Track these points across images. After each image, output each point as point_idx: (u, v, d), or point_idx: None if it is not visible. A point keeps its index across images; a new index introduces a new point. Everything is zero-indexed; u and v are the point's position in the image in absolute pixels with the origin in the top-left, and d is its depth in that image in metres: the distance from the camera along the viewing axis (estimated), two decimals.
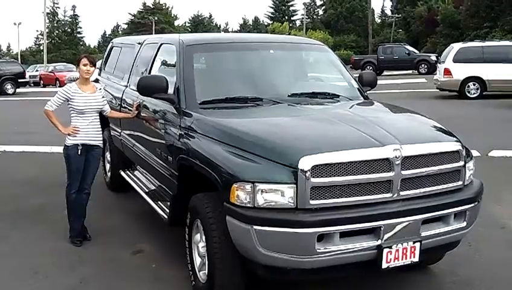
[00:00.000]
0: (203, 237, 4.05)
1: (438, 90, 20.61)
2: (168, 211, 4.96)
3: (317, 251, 3.47)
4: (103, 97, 5.61)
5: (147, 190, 5.96)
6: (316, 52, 6.05)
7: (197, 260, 4.30)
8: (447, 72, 19.40)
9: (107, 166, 7.72)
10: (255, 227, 3.48)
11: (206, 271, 4.04)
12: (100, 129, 5.61)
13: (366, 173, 3.59)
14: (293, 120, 4.34)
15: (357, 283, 4.55)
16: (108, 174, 7.68)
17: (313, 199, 3.50)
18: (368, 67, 36.02)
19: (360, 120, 4.11)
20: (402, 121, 4.55)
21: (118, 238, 5.78)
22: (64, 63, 45.83)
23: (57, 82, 36.85)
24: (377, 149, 3.64)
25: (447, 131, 4.26)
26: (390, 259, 3.64)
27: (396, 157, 3.63)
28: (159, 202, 5.33)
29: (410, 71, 36.50)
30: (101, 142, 5.64)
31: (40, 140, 11.61)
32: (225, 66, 5.42)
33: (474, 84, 19.15)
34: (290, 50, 5.88)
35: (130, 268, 5.02)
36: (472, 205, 3.99)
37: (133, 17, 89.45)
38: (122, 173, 7.02)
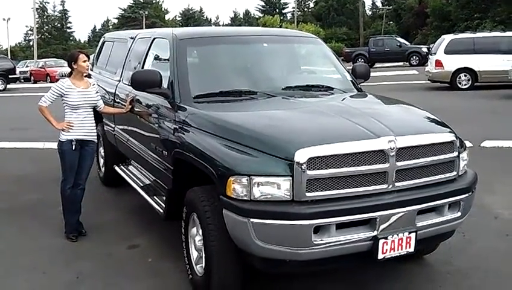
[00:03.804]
0: (200, 231, 4.07)
1: (429, 81, 20.68)
2: (163, 205, 4.97)
3: (314, 242, 3.48)
4: (97, 92, 5.60)
5: (141, 185, 5.95)
6: (309, 45, 6.05)
7: (194, 254, 4.32)
8: (439, 63, 19.47)
9: (101, 161, 7.71)
10: (252, 220, 3.49)
11: (203, 265, 4.05)
12: (94, 124, 5.60)
13: (361, 165, 3.60)
14: (287, 113, 4.33)
15: (353, 274, 4.58)
16: (102, 169, 7.67)
17: (309, 191, 3.51)
18: (360, 59, 36.04)
19: (354, 112, 4.12)
20: (396, 113, 4.55)
21: (114, 233, 5.79)
22: (55, 59, 45.53)
23: (48, 78, 36.66)
24: (371, 141, 3.65)
25: (441, 122, 4.28)
26: (386, 250, 3.66)
27: (391, 148, 3.65)
28: (154, 197, 5.34)
29: (402, 63, 36.58)
30: (96, 137, 5.63)
31: (33, 136, 11.58)
32: (219, 60, 5.41)
33: (465, 76, 19.24)
34: (283, 43, 5.87)
35: (126, 263, 5.03)
36: (466, 195, 4.02)
37: (123, 12, 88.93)
38: (117, 168, 7.01)
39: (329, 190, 3.55)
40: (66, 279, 4.70)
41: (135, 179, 6.25)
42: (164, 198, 5.00)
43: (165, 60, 5.27)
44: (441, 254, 4.89)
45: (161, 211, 4.96)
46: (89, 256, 5.18)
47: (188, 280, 4.40)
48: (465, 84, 19.25)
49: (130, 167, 6.80)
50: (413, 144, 3.78)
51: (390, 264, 4.45)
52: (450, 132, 4.11)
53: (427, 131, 4.06)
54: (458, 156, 4.04)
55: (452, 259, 4.89)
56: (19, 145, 11.06)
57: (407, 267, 4.67)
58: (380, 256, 3.66)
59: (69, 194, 5.54)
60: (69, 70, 5.57)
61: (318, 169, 3.51)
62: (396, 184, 3.72)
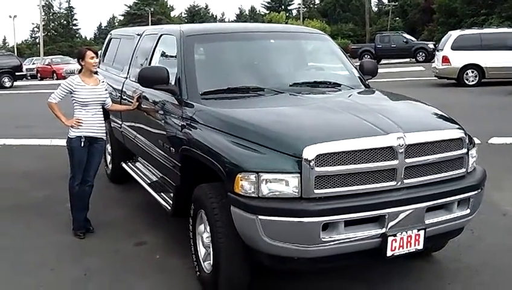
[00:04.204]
0: (208, 228, 4.06)
1: (436, 78, 20.59)
2: (170, 202, 4.96)
3: (322, 239, 3.47)
4: (106, 90, 5.60)
5: (149, 182, 5.95)
6: (316, 41, 6.01)
7: (202, 251, 4.31)
8: (445, 59, 19.38)
9: (108, 158, 7.71)
10: (260, 217, 3.48)
11: (211, 261, 4.05)
12: (103, 121, 5.59)
13: (370, 162, 3.58)
14: (295, 110, 4.32)
15: (361, 271, 4.56)
16: (110, 166, 7.67)
17: (317, 188, 3.49)
18: (366, 56, 35.91)
19: (362, 109, 4.10)
20: (405, 109, 4.54)
21: (121, 230, 5.79)
22: (61, 56, 45.61)
23: (54, 75, 36.73)
24: (380, 137, 3.63)
25: (450, 118, 4.26)
26: (395, 247, 3.64)
27: (400, 145, 3.63)
28: (162, 193, 5.33)
29: (408, 59, 36.46)
30: (104, 134, 5.62)
31: (40, 133, 11.61)
32: (226, 56, 5.40)
33: (472, 72, 19.14)
34: (290, 39, 5.85)
35: (134, 260, 5.03)
36: (475, 192, 3.99)
37: (129, 9, 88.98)
38: (124, 165, 7.01)
39: (338, 186, 3.54)
40: (74, 276, 4.70)
41: (142, 176, 6.25)
42: (171, 195, 5.00)
43: (172, 56, 5.26)
44: (450, 251, 4.86)
45: (168, 207, 4.95)
46: (96, 253, 5.19)
47: (195, 277, 4.40)
48: (472, 81, 19.15)
49: (137, 164, 6.80)
50: (422, 141, 3.75)
51: (399, 262, 4.43)
52: (459, 128, 4.08)
53: (436, 127, 4.03)
54: (467, 152, 4.01)
55: (461, 256, 4.87)
56: (26, 142, 11.08)
57: (416, 265, 4.65)
58: (389, 253, 3.64)
59: (77, 190, 5.55)
60: (75, 67, 5.57)
61: (326, 166, 3.50)
62: (405, 181, 3.70)
